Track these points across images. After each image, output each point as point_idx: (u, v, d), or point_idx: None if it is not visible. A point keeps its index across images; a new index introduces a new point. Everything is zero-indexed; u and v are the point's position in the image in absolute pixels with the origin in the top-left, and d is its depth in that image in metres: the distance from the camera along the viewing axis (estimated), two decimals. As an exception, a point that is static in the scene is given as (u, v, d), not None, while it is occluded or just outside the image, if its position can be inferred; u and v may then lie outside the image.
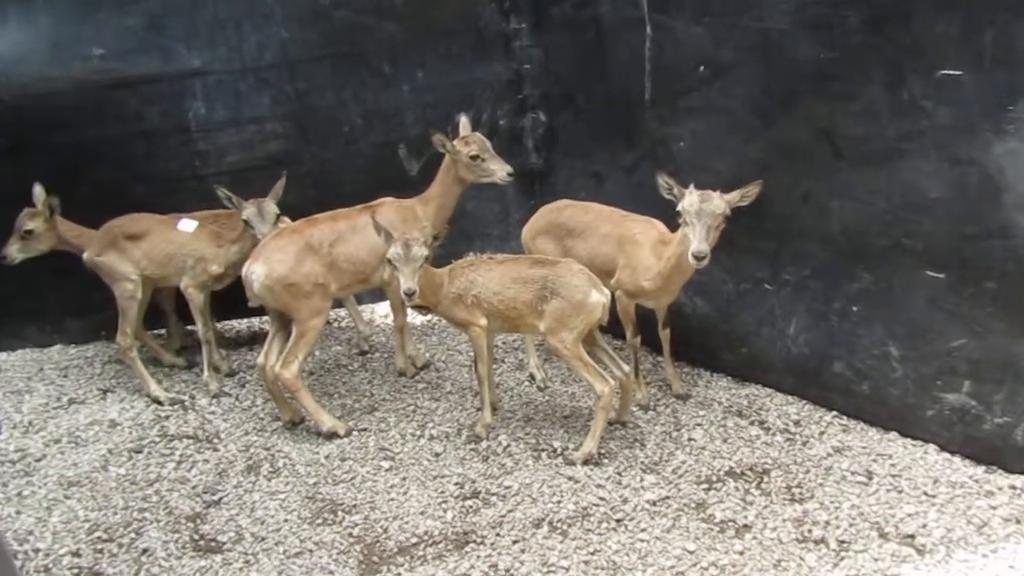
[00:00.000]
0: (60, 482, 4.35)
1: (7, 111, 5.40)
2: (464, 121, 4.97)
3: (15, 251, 5.11)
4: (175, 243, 5.11)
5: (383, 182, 5.47)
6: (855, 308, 4.11)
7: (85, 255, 5.08)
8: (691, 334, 4.90)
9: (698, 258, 3.80)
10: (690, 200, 3.87)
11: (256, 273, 4.45)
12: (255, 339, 6.08)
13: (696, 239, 3.80)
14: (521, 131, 5.84)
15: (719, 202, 3.83)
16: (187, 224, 5.11)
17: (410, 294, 3.99)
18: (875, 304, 4.04)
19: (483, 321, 4.27)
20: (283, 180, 4.91)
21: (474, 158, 4.81)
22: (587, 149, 5.31)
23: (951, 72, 3.43)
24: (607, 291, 4.15)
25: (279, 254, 4.49)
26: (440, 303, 4.33)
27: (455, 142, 4.84)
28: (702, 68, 4.32)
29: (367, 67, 5.66)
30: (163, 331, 5.97)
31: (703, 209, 3.81)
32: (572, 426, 4.59)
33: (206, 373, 5.25)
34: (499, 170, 4.83)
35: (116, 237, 5.07)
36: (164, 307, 5.78)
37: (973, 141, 3.43)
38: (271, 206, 4.85)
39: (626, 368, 4.32)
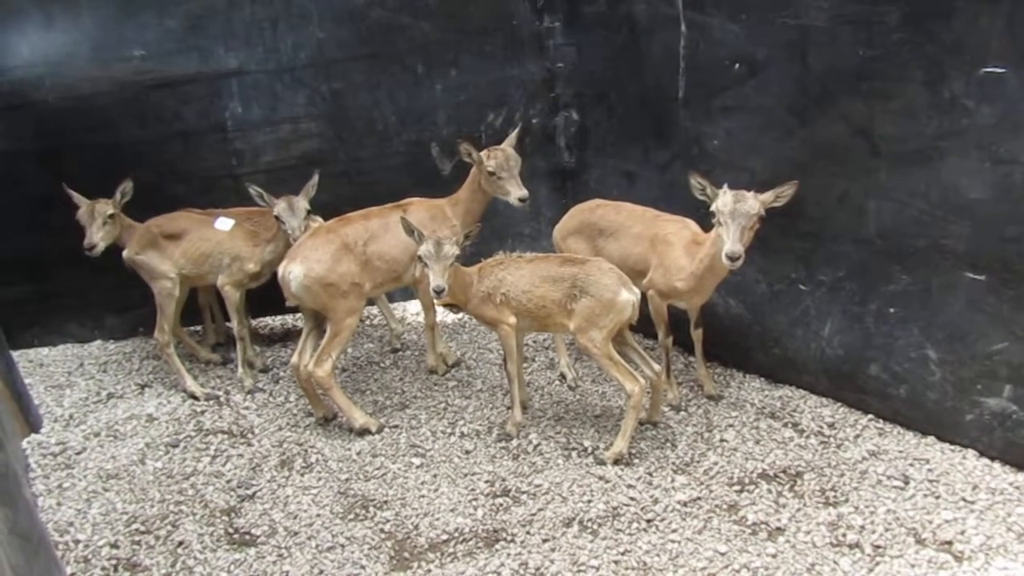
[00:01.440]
0: (99, 475, 4.43)
1: (51, 112, 5.51)
2: (511, 136, 4.90)
3: (99, 238, 5.12)
4: (211, 242, 5.19)
5: (416, 181, 5.52)
6: (892, 310, 4.04)
7: (124, 253, 5.18)
8: (724, 334, 4.86)
9: (732, 259, 3.76)
10: (724, 200, 3.83)
11: (294, 273, 4.51)
12: (288, 336, 6.15)
13: (730, 240, 3.76)
14: (554, 130, 5.83)
15: (753, 202, 3.78)
16: (224, 223, 5.19)
17: (439, 291, 4.02)
18: (913, 306, 3.97)
19: (512, 319, 4.29)
20: (315, 178, 4.97)
21: (491, 174, 4.79)
22: (620, 148, 5.29)
23: (994, 69, 3.35)
24: (637, 290, 4.14)
25: (316, 254, 4.54)
26: (469, 301, 4.35)
27: (482, 153, 4.82)
28: (737, 66, 4.27)
29: (401, 66, 5.69)
30: (200, 327, 6.07)
31: (737, 209, 3.77)
32: (603, 425, 4.57)
33: (241, 369, 5.32)
34: (513, 192, 4.73)
35: (155, 236, 5.17)
36: (202, 304, 5.87)
37: (1017, 140, 3.36)
38: (302, 202, 4.91)
39: (657, 368, 4.30)
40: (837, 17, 3.79)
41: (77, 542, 3.87)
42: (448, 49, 5.68)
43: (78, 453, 4.68)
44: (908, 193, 3.80)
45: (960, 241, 3.69)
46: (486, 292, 4.29)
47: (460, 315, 6.26)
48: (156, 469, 4.47)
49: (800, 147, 4.14)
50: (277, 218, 4.92)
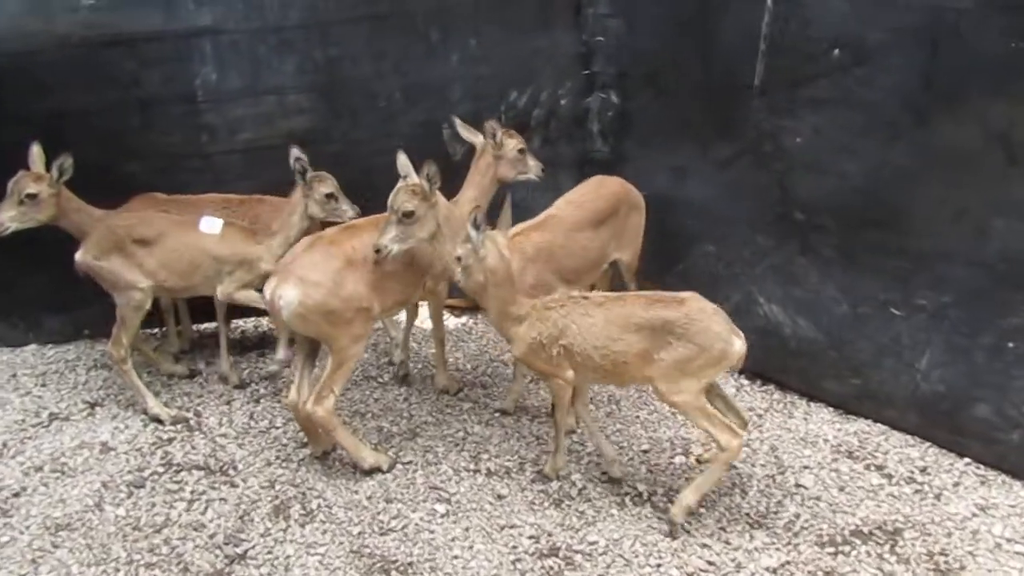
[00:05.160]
0: (46, 524, 3.65)
1: (-23, 71, 4.55)
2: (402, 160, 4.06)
3: (8, 219, 4.26)
4: (199, 249, 4.36)
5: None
6: (1011, 345, 3.52)
7: (78, 256, 4.27)
8: (788, 357, 4.30)
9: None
10: None
11: (286, 299, 3.66)
12: (265, 342, 5.34)
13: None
14: (585, 113, 5.13)
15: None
16: (211, 224, 4.35)
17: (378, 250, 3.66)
18: (1037, 342, 3.46)
19: (570, 375, 3.55)
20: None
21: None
22: (669, 138, 4.63)
23: None
24: (742, 334, 3.43)
25: (315, 274, 3.71)
26: (513, 340, 3.63)
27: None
28: (837, 51, 3.64)
29: (411, 32, 4.88)
30: (158, 330, 5.22)
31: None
32: (654, 463, 3.98)
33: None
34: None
35: (120, 239, 4.28)
36: (165, 306, 5.00)
37: None
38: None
39: (744, 417, 3.63)
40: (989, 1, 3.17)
41: (24, 622, 3.09)
42: (468, 13, 4.90)
43: (16, 495, 3.87)
44: (1047, 212, 3.26)
45: (1110, 272, 3.16)
46: (538, 340, 3.53)
47: (464, 319, 5.54)
48: (118, 517, 3.70)
49: (912, 151, 3.56)
50: (330, 196, 4.35)
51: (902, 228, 3.65)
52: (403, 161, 3.88)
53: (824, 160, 3.85)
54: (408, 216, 3.63)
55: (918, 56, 3.42)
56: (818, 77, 3.76)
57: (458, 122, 4.35)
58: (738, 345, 3.35)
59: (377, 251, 3.64)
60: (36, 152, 4.30)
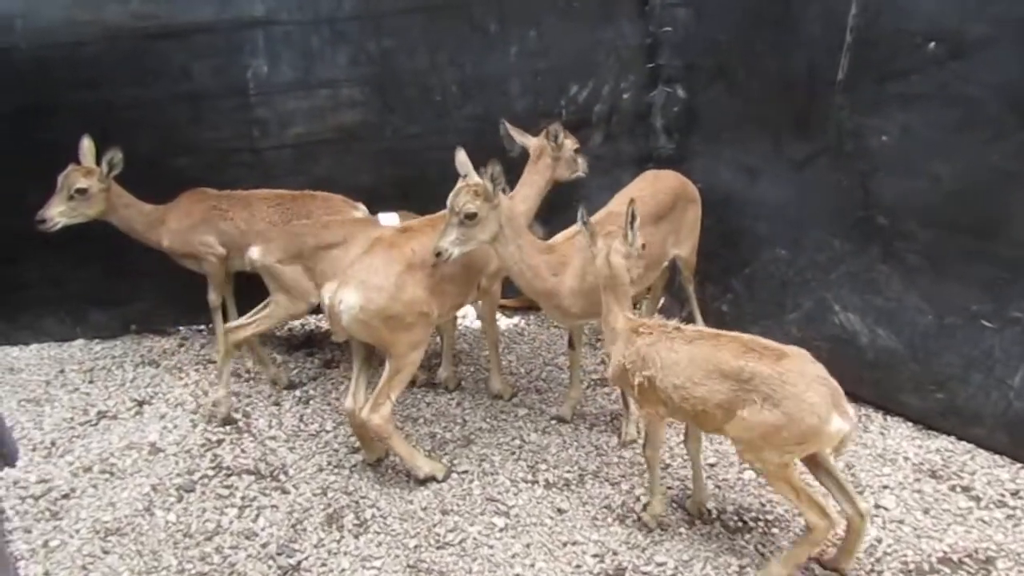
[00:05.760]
0: (96, 528, 3.57)
1: (26, 62, 4.50)
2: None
3: (58, 214, 4.24)
4: None
5: (479, 165, 4.56)
6: (1119, 363, 3.26)
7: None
8: (863, 368, 4.06)
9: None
10: None
11: (347, 303, 3.53)
12: (312, 340, 5.22)
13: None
14: (649, 108, 4.91)
15: None
16: (391, 222, 4.25)
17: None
18: None
19: (661, 409, 3.24)
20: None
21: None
22: (740, 135, 4.40)
23: None
24: (851, 412, 2.93)
25: (376, 278, 3.58)
26: (611, 354, 3.36)
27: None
28: (932, 45, 3.38)
29: (468, 23, 4.70)
30: (205, 327, 5.13)
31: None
32: (722, 479, 3.77)
33: None
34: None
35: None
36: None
37: None
38: None
39: (863, 506, 3.07)
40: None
41: (76, 632, 3.00)
42: (527, 4, 4.70)
43: (65, 496, 3.80)
44: None
45: None
46: (622, 365, 3.25)
47: (516, 319, 5.37)
48: (168, 523, 3.60)
49: (1015, 152, 3.28)
50: None
51: (998, 235, 3.39)
52: (462, 159, 3.70)
53: (913, 161, 3.59)
54: (470, 218, 3.46)
55: (1026, 51, 3.16)
56: (910, 72, 3.50)
57: (508, 126, 4.20)
58: (836, 425, 2.84)
59: (437, 254, 3.48)
60: (87, 146, 4.23)
